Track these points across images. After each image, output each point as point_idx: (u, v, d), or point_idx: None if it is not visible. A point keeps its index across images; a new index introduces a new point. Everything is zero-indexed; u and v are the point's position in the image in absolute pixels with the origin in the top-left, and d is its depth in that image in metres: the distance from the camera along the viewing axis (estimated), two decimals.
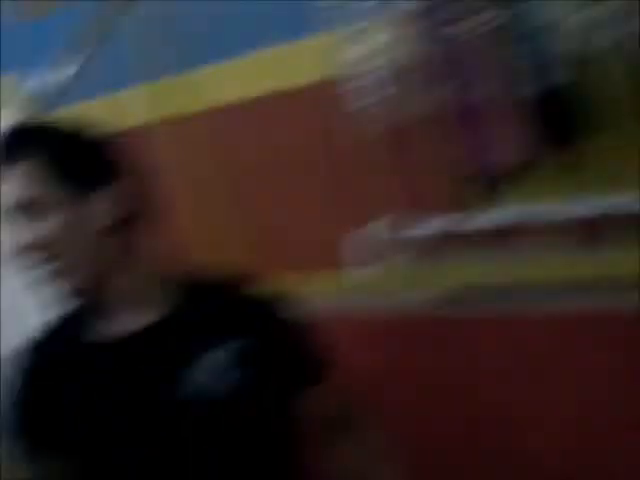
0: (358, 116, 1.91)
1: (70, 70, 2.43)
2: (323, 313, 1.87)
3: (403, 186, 1.91)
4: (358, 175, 1.97)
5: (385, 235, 1.90)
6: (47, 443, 1.16)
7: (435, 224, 1.85)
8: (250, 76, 2.17)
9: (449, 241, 1.83)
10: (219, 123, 2.24)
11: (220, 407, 1.11)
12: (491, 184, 1.75)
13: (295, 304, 1.25)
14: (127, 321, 1.14)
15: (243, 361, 1.13)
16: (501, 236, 1.76)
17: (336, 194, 2.03)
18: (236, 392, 1.12)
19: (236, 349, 1.13)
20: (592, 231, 1.63)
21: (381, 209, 1.91)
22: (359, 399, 1.34)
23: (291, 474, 1.21)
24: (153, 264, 1.17)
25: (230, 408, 1.12)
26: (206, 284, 1.20)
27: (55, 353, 1.19)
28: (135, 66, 2.27)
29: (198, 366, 1.11)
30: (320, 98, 2.03)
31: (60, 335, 1.20)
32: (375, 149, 1.89)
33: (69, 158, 1.11)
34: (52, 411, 1.15)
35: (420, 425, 1.80)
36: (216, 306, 1.18)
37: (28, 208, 1.10)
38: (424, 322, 1.85)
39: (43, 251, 1.10)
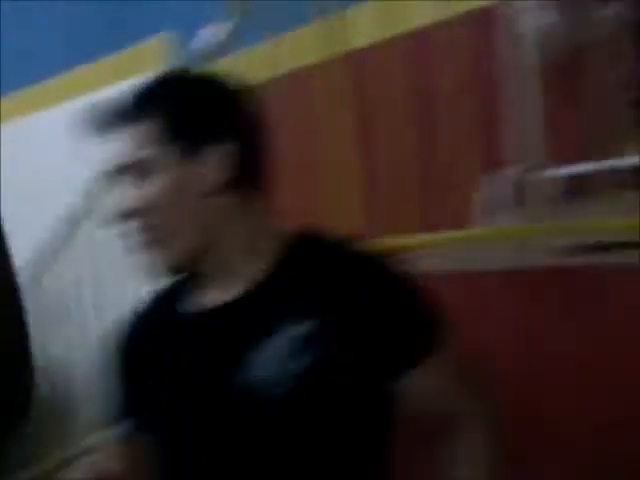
0: (525, 41, 1.80)
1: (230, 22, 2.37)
2: (450, 269, 1.76)
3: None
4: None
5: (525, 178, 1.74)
6: (131, 411, 1.14)
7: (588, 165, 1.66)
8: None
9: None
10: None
11: (283, 397, 1.00)
12: None
13: (408, 263, 1.10)
14: (217, 293, 1.06)
15: (326, 340, 1.00)
16: None
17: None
18: (308, 378, 1.00)
19: (316, 328, 1.00)
20: None
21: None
22: (486, 374, 1.17)
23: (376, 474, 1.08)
24: (257, 231, 1.07)
25: (298, 398, 1.00)
26: (309, 250, 1.08)
27: (146, 324, 1.14)
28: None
29: (268, 349, 1.01)
30: (485, 24, 1.89)
31: (156, 306, 1.15)
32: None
33: (185, 116, 1.04)
34: (136, 383, 1.12)
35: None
36: (312, 275, 1.05)
37: (134, 170, 1.03)
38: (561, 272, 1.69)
39: (142, 218, 1.03)
